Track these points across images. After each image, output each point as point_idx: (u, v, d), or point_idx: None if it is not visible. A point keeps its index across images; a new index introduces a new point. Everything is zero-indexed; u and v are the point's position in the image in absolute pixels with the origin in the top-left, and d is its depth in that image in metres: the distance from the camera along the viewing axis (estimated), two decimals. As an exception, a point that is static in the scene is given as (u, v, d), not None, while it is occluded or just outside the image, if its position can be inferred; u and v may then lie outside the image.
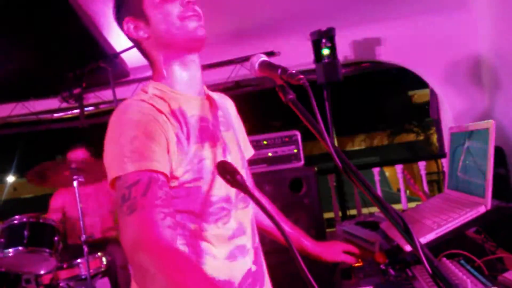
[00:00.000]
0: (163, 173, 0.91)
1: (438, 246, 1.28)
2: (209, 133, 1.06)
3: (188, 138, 1.00)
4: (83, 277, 2.74)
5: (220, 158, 1.05)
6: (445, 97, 3.47)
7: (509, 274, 1.17)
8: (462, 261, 1.20)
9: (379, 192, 3.73)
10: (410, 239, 0.71)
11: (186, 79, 1.07)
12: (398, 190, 4.80)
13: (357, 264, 1.48)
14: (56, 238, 2.56)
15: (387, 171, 14.77)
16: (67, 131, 4.43)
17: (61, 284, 2.67)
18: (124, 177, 0.89)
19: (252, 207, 1.17)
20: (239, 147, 1.17)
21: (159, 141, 0.92)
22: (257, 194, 1.44)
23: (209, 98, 1.13)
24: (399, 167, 3.64)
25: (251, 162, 2.95)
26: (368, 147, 22.03)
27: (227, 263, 1.03)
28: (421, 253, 0.68)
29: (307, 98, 0.91)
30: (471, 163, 1.44)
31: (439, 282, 0.67)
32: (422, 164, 3.62)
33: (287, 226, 1.41)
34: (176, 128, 0.98)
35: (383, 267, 1.36)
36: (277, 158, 3.00)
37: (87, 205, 3.09)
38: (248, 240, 1.10)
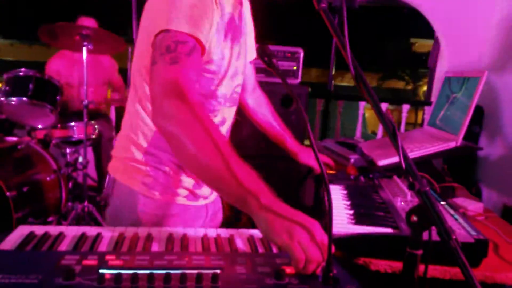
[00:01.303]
0: (203, 47, 1.00)
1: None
2: (233, 34, 1.15)
3: (222, 33, 1.09)
4: (73, 139, 2.92)
5: (234, 59, 1.17)
6: (447, 49, 3.59)
7: (458, 199, 1.41)
8: (423, 182, 1.42)
9: (359, 126, 3.95)
10: (394, 140, 0.88)
11: None
12: (373, 132, 5.04)
13: (330, 172, 1.70)
14: (58, 97, 2.68)
15: (367, 113, 15.11)
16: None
17: (53, 142, 2.85)
18: (175, 32, 0.94)
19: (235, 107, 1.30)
20: (246, 51, 1.28)
21: (209, 20, 1.01)
22: (259, 91, 1.60)
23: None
24: (384, 105, 3.82)
25: (250, 70, 3.08)
26: (356, 85, 22.05)
27: None
28: (400, 150, 0.86)
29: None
30: (453, 109, 1.62)
31: (410, 177, 0.85)
32: (406, 107, 3.81)
33: (277, 123, 1.58)
34: (219, 17, 1.06)
35: (353, 177, 1.58)
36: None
37: (83, 74, 3.14)
38: (227, 131, 1.27)
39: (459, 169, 3.40)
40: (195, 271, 0.78)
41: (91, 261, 0.82)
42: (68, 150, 2.97)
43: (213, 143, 0.85)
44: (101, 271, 0.78)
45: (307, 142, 3.81)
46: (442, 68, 3.72)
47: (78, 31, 2.53)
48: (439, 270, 0.97)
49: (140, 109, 1.15)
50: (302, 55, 3.06)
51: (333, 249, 0.81)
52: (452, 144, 1.46)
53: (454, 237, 0.75)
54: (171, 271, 0.78)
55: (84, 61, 2.55)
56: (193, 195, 1.23)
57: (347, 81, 22.10)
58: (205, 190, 1.26)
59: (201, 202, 1.27)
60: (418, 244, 0.84)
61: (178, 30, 0.94)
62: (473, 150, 1.47)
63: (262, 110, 1.57)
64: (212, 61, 1.09)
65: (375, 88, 21.21)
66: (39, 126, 2.76)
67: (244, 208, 0.84)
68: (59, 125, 2.84)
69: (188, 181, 1.21)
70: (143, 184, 1.17)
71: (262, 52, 0.85)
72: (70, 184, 2.94)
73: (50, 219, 2.70)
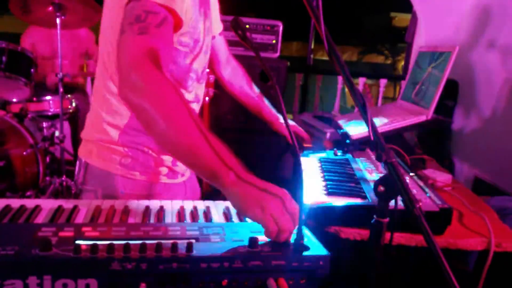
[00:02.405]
0: (178, 19, 0.98)
1: (379, 140, 1.53)
2: (206, 8, 1.14)
3: (197, 4, 1.08)
4: (49, 113, 2.87)
5: (206, 34, 1.17)
6: (424, 23, 3.61)
7: (427, 171, 1.46)
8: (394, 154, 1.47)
9: (338, 100, 3.99)
10: (364, 112, 0.91)
11: None
12: (352, 106, 5.10)
13: (307, 145, 1.73)
14: (32, 70, 2.61)
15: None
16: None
17: (29, 116, 2.80)
18: (146, 1, 0.90)
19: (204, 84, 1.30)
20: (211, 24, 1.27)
21: None
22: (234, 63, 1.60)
23: None
24: (362, 80, 3.86)
25: (230, 43, 3.06)
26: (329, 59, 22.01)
27: None
28: (369, 123, 0.89)
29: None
30: (426, 83, 1.66)
31: (376, 147, 0.89)
32: (383, 82, 3.86)
33: (254, 93, 1.59)
34: None
35: (335, 150, 1.61)
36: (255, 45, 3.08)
37: (53, 48, 3.07)
38: (197, 107, 1.27)
39: (433, 142, 3.48)
40: (170, 241, 0.81)
41: (67, 233, 0.83)
42: (44, 124, 2.92)
43: (184, 117, 0.83)
44: (77, 242, 0.79)
45: (288, 116, 3.84)
46: (420, 42, 3.75)
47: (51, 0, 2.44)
48: (405, 237, 1.02)
49: (113, 86, 1.11)
50: (281, 28, 3.04)
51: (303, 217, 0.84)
52: (423, 118, 1.51)
53: (418, 205, 0.79)
54: (147, 241, 0.80)
55: (58, 32, 2.48)
56: (172, 172, 1.23)
57: (326, 56, 22.02)
58: (182, 166, 1.25)
59: (180, 179, 1.27)
60: (385, 213, 0.88)
61: (150, 0, 0.91)
62: (444, 123, 1.52)
63: (238, 81, 1.57)
64: (187, 34, 1.07)
65: (355, 62, 21.27)
66: (14, 100, 2.71)
67: (215, 182, 0.84)
68: (34, 99, 2.79)
69: (167, 158, 1.20)
70: (121, 166, 1.15)
71: (235, 25, 0.85)
72: (48, 159, 2.91)
73: (28, 193, 2.69)
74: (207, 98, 2.72)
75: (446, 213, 1.01)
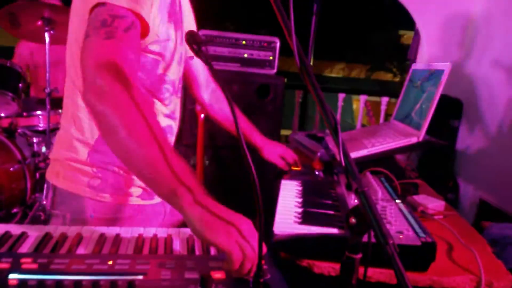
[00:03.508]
0: (145, 24, 0.92)
1: (367, 163, 1.44)
2: (176, 18, 1.09)
3: (166, 13, 1.03)
4: (40, 128, 2.82)
5: (179, 44, 1.11)
6: (426, 41, 3.54)
7: (418, 197, 1.36)
8: (383, 179, 1.37)
9: (338, 118, 3.90)
10: (335, 135, 0.82)
11: None
12: (362, 124, 5.02)
13: (295, 168, 1.64)
14: (20, 85, 2.57)
15: (355, 104, 15.08)
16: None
17: (18, 131, 2.75)
18: (112, 6, 0.86)
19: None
20: None
21: None
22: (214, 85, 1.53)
23: None
24: (363, 98, 3.78)
25: (226, 59, 3.01)
26: (345, 76, 22.08)
27: None
28: (340, 147, 0.80)
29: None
30: (418, 102, 1.56)
31: (347, 174, 0.80)
32: (385, 100, 3.77)
33: (239, 115, 1.51)
34: None
35: (318, 172, 1.52)
36: (252, 61, 3.03)
37: (52, 58, 3.03)
38: (175, 124, 1.21)
39: (436, 162, 3.37)
40: (112, 277, 0.73)
41: (3, 264, 0.76)
42: (35, 140, 2.87)
43: (147, 127, 0.76)
44: (11, 276, 0.72)
45: (284, 132, 3.76)
46: (423, 59, 3.67)
47: (40, 13, 2.40)
48: (385, 273, 0.92)
49: (82, 102, 1.04)
50: (278, 44, 3.00)
51: (264, 249, 0.75)
52: (414, 140, 1.41)
53: (391, 241, 0.70)
54: (86, 277, 0.72)
55: (47, 47, 2.44)
56: (147, 193, 1.15)
57: (336, 72, 22.09)
58: None
59: (157, 199, 1.18)
60: (357, 248, 0.79)
61: (116, 4, 0.86)
62: (435, 145, 1.43)
63: (219, 103, 1.50)
64: (156, 42, 1.02)
65: (364, 79, 21.24)
66: (2, 115, 2.66)
67: (174, 202, 0.75)
68: (24, 114, 2.74)
69: None
70: (90, 188, 1.07)
71: (190, 39, 0.78)
72: (38, 175, 2.84)
73: (14, 210, 2.62)
74: (202, 115, 2.66)
75: (429, 248, 0.90)
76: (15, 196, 2.60)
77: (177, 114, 1.22)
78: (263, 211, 0.75)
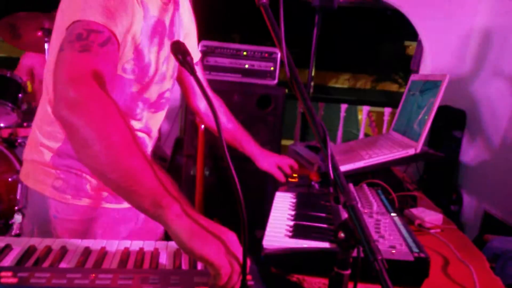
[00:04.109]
0: (119, 44, 0.91)
1: (365, 174, 1.42)
2: (160, 39, 1.08)
3: (148, 33, 1.03)
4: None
5: (161, 64, 1.11)
6: (429, 51, 3.52)
7: (416, 209, 1.33)
8: (380, 191, 1.34)
9: (340, 129, 3.88)
10: (324, 147, 0.80)
11: None
12: (365, 135, 5.00)
13: (292, 180, 1.61)
14: (20, 95, 2.57)
15: (361, 115, 15.03)
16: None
17: (19, 141, 2.75)
18: (88, 21, 0.85)
19: (162, 113, 1.23)
20: None
21: (128, 17, 0.93)
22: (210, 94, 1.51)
23: (172, 2, 1.11)
24: (365, 108, 3.76)
25: (227, 70, 3.01)
26: (350, 87, 22.05)
27: None
28: (329, 159, 0.78)
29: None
30: (416, 114, 1.54)
31: (336, 187, 0.77)
32: (387, 110, 3.74)
33: (234, 127, 1.49)
34: (141, 18, 0.99)
35: (314, 184, 1.50)
36: (253, 72, 3.02)
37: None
38: (150, 137, 1.20)
39: (440, 174, 3.33)
40: (91, 293, 0.71)
41: (-18, 279, 0.74)
42: (35, 150, 2.86)
43: (125, 139, 0.73)
44: (-12, 290, 0.70)
45: (286, 142, 3.73)
46: (426, 71, 3.65)
47: (40, 24, 2.42)
48: (377, 290, 0.89)
49: (49, 110, 1.07)
50: (279, 55, 2.98)
51: (248, 263, 0.73)
52: (411, 151, 1.39)
53: (379, 257, 0.67)
54: (64, 293, 0.70)
55: (47, 58, 2.45)
56: (114, 197, 1.14)
57: (341, 83, 22.07)
58: None
59: (127, 204, 1.17)
60: (346, 264, 0.76)
61: (91, 20, 0.85)
62: (433, 157, 1.40)
63: None
64: (131, 61, 1.02)
65: (369, 90, 21.19)
66: (1, 125, 2.66)
67: (158, 214, 0.71)
68: (25, 124, 2.74)
69: None
70: (53, 188, 1.09)
71: (175, 50, 0.77)
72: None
73: (12, 221, 2.61)
74: (202, 126, 2.65)
75: (422, 264, 0.87)
76: (14, 206, 2.58)
77: (152, 127, 1.21)
78: (247, 224, 0.73)
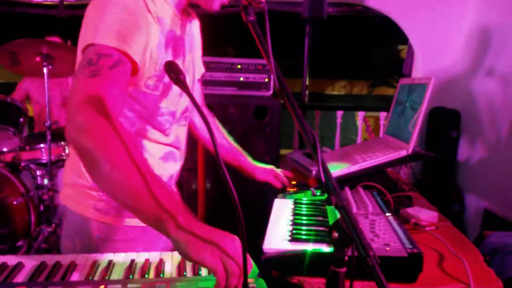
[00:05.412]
0: (133, 62, 0.96)
1: (360, 177, 1.46)
2: (175, 51, 1.13)
3: (163, 48, 1.07)
4: (43, 161, 2.86)
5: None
6: (421, 55, 3.58)
7: (411, 209, 1.37)
8: (375, 193, 1.38)
9: (338, 135, 3.93)
10: (315, 153, 0.85)
11: None
12: (364, 139, 5.04)
13: (291, 189, 1.65)
14: (21, 120, 2.63)
15: (358, 121, 15.04)
16: (44, 18, 4.31)
17: (22, 164, 2.79)
18: (100, 46, 0.91)
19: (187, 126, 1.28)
20: (194, 68, 1.27)
21: (142, 35, 0.97)
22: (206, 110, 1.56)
23: (184, 16, 1.16)
24: (361, 114, 3.81)
25: (223, 84, 3.07)
26: (347, 94, 22.11)
27: (160, 162, 1.17)
28: (320, 163, 0.83)
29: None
30: (406, 117, 1.59)
31: (328, 190, 0.82)
32: (383, 115, 3.79)
33: (227, 143, 1.54)
34: (159, 33, 1.04)
35: (312, 189, 1.54)
36: (248, 84, 3.07)
37: (53, 94, 3.10)
38: (181, 152, 1.24)
39: (438, 174, 3.37)
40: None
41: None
42: (38, 173, 2.91)
43: (129, 160, 0.79)
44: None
45: (284, 151, 3.78)
46: (418, 74, 3.71)
47: (38, 50, 2.48)
48: (373, 286, 0.93)
49: None
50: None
51: (250, 266, 0.77)
52: (403, 153, 1.43)
53: (371, 253, 0.72)
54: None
55: (46, 81, 2.50)
56: None
57: (337, 90, 22.15)
58: None
59: None
60: (342, 262, 0.80)
61: (103, 44, 0.91)
62: (425, 157, 1.44)
63: None
64: (154, 77, 1.06)
65: (366, 96, 21.26)
66: (4, 149, 2.71)
67: (161, 229, 0.78)
68: (27, 147, 2.79)
69: None
70: (95, 210, 1.13)
71: (169, 69, 0.82)
72: (42, 207, 2.87)
73: (19, 243, 2.64)
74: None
75: (416, 259, 0.91)
76: (19, 229, 2.62)
77: (181, 141, 1.25)
78: (245, 230, 0.77)
